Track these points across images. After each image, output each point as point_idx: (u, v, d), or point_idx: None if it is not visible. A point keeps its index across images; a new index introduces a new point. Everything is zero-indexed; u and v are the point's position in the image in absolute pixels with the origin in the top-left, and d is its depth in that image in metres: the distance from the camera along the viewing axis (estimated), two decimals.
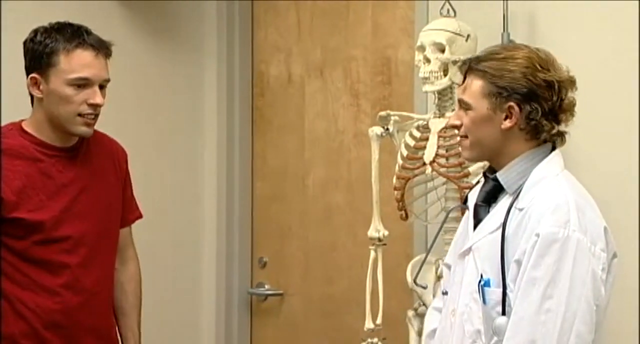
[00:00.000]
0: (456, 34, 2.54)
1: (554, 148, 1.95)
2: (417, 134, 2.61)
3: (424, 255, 2.71)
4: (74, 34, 2.19)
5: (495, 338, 1.85)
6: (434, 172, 2.54)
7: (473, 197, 2.02)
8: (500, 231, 1.87)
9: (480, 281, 1.87)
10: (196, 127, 3.51)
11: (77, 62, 2.18)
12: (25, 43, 2.24)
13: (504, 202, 1.92)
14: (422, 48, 2.57)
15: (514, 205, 1.88)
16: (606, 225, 1.90)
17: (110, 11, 3.22)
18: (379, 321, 2.63)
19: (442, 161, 2.54)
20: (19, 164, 2.19)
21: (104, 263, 2.32)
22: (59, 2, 2.93)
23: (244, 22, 3.55)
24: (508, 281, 1.83)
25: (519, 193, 1.89)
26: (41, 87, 2.20)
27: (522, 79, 1.87)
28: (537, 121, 1.88)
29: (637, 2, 2.55)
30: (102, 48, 2.22)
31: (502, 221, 1.87)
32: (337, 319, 3.29)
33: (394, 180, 2.61)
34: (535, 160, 1.92)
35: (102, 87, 2.22)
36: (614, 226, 2.57)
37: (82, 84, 2.18)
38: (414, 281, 2.35)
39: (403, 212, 2.63)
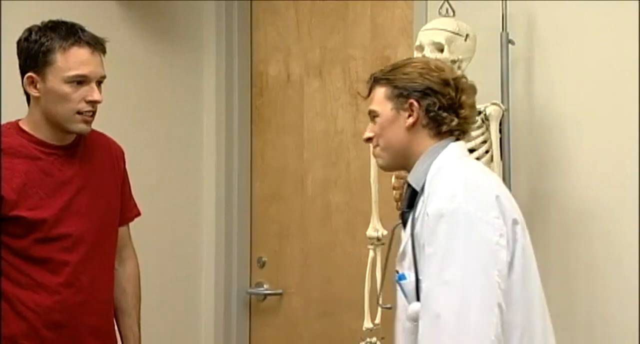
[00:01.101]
0: (455, 33, 2.54)
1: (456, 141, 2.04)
2: None
3: None
4: (69, 32, 2.19)
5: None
6: None
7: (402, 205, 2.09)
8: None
9: (398, 278, 1.94)
10: (195, 127, 3.51)
11: (74, 59, 2.17)
12: (19, 42, 2.23)
13: (419, 202, 1.98)
14: (420, 48, 2.57)
15: (422, 200, 1.95)
16: (499, 194, 1.92)
17: (109, 11, 3.22)
18: (377, 320, 2.63)
19: None
20: (19, 163, 2.19)
21: (104, 261, 2.31)
22: (59, 2, 2.92)
23: (243, 21, 3.55)
24: (419, 268, 1.89)
25: (424, 187, 1.96)
26: (38, 86, 2.19)
27: (419, 78, 2.00)
28: (436, 113, 1.99)
29: (637, 1, 2.55)
30: (98, 45, 2.22)
31: (412, 219, 1.95)
32: (335, 319, 3.29)
33: (393, 179, 2.61)
34: (435, 154, 1.99)
35: (98, 83, 2.22)
36: (614, 225, 2.59)
37: (80, 81, 2.18)
38: (378, 303, 2.33)
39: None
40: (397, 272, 1.97)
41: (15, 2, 2.85)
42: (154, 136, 3.37)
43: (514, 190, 2.67)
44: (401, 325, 1.99)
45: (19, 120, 2.27)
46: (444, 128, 2.00)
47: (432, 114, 1.99)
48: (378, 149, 2.06)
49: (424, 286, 1.86)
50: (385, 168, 2.09)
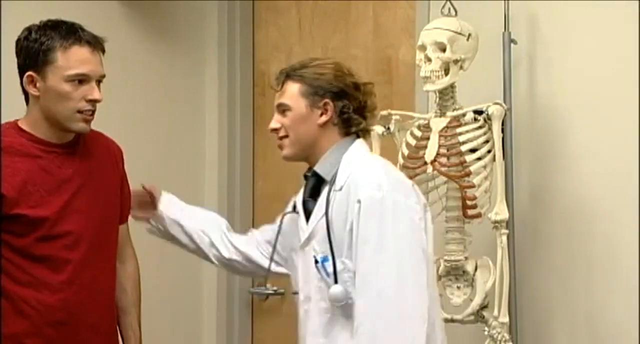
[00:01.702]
0: (457, 33, 2.54)
1: (358, 138, 2.21)
2: (418, 134, 2.61)
3: None
4: (69, 31, 2.18)
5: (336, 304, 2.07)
6: (435, 172, 2.54)
7: (299, 200, 2.23)
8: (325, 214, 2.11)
9: (317, 261, 2.09)
10: (197, 127, 3.51)
11: (75, 58, 2.17)
12: (18, 41, 2.22)
13: (326, 191, 2.14)
14: (423, 47, 2.57)
15: (333, 188, 2.12)
16: (412, 183, 2.18)
17: (111, 11, 3.22)
18: None
19: (443, 160, 2.54)
20: (19, 161, 2.19)
21: (105, 259, 2.31)
22: (60, 2, 2.92)
23: (244, 21, 3.55)
24: (344, 252, 2.06)
25: (335, 178, 2.13)
26: (38, 85, 2.19)
27: (334, 80, 2.16)
28: (349, 115, 2.16)
29: (638, 2, 2.55)
30: (98, 44, 2.22)
31: (325, 206, 2.11)
32: None
33: None
34: (343, 149, 2.17)
35: (98, 83, 2.22)
36: (615, 224, 2.59)
37: (80, 80, 2.18)
38: (264, 285, 2.42)
39: None
40: (315, 256, 2.10)
41: (15, 2, 2.85)
42: (156, 136, 3.37)
43: (516, 189, 2.68)
44: (314, 306, 2.12)
45: (18, 120, 2.27)
46: (353, 129, 2.18)
47: (345, 115, 2.16)
48: (287, 140, 2.19)
49: (360, 268, 2.02)
50: (288, 159, 2.22)
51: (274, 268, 2.37)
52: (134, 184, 2.49)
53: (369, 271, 2.01)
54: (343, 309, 2.07)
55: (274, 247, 2.32)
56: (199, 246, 2.45)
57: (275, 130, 2.21)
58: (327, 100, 2.15)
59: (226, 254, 2.44)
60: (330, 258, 2.08)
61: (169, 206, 2.47)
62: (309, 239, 2.17)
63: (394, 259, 2.01)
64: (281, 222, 2.31)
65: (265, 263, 2.37)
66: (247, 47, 3.55)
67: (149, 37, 3.36)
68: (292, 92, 2.17)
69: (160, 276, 3.17)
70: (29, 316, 2.19)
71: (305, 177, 2.24)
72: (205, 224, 2.47)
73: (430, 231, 2.14)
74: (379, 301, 2.00)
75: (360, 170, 2.11)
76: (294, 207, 2.27)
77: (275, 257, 2.34)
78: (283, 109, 2.19)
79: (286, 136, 2.19)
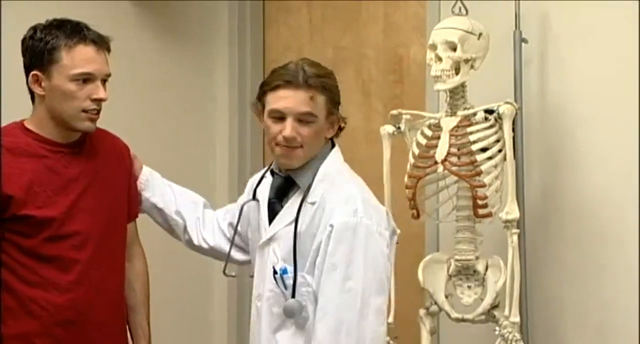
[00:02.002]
0: (468, 32, 2.54)
1: (333, 145, 2.18)
2: (429, 133, 2.61)
3: (436, 254, 2.72)
4: (74, 30, 2.18)
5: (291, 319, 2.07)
6: (446, 171, 2.54)
7: (263, 191, 2.20)
8: (293, 224, 2.07)
9: (275, 271, 2.08)
10: (208, 126, 3.52)
11: (80, 57, 2.16)
12: (24, 41, 2.22)
13: (296, 198, 2.11)
14: (433, 47, 2.56)
15: (305, 200, 2.08)
16: (387, 209, 2.15)
17: (122, 10, 3.23)
18: (390, 319, 2.63)
19: (454, 159, 2.53)
20: (25, 162, 2.19)
21: (113, 258, 2.31)
22: (71, 2, 2.93)
23: (255, 21, 3.56)
24: (306, 267, 2.05)
25: (309, 188, 2.08)
26: (43, 84, 2.18)
27: (338, 91, 2.12)
28: (340, 127, 2.14)
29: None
30: (103, 43, 2.21)
31: (294, 215, 2.07)
32: None
33: (406, 179, 2.61)
34: (322, 159, 2.12)
35: (103, 81, 2.22)
36: (625, 224, 2.58)
37: (85, 79, 2.17)
38: (223, 272, 2.39)
39: (415, 211, 2.63)
40: (277, 265, 2.08)
41: (23, 2, 2.86)
42: (167, 136, 3.38)
43: (527, 188, 2.67)
44: (266, 308, 2.11)
45: (24, 120, 2.27)
46: (335, 138, 2.17)
47: (342, 127, 2.15)
48: (300, 151, 2.08)
49: (325, 292, 2.01)
50: (291, 168, 2.12)
51: (238, 256, 2.37)
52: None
53: (333, 298, 2.00)
54: (295, 320, 2.07)
55: (232, 240, 2.33)
56: (173, 228, 2.44)
57: (294, 139, 2.07)
58: (338, 116, 2.13)
59: (195, 241, 2.43)
60: (291, 270, 2.06)
61: (148, 183, 2.42)
62: (269, 241, 2.14)
63: (359, 289, 2.00)
64: (241, 211, 2.28)
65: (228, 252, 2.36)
66: (258, 46, 3.56)
67: (159, 36, 3.37)
68: (321, 103, 2.07)
69: (171, 274, 3.18)
70: (39, 316, 2.19)
71: (272, 173, 2.18)
72: (182, 206, 2.43)
73: (393, 257, 2.14)
74: (339, 330, 1.99)
75: (337, 190, 2.06)
76: (254, 195, 2.23)
77: (239, 244, 2.35)
78: (307, 120, 2.06)
79: (300, 147, 2.08)
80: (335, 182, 2.08)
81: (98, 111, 2.22)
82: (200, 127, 3.50)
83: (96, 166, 2.29)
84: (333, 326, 1.99)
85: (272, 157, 2.19)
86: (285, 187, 2.14)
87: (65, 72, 2.16)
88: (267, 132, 2.12)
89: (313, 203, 2.07)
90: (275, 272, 2.08)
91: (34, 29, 2.21)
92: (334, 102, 2.09)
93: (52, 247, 2.19)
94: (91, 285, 2.23)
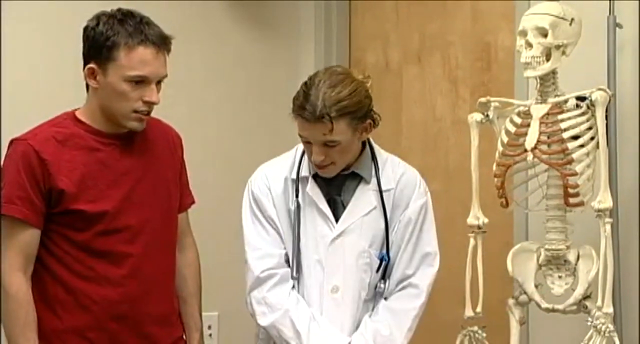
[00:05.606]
0: (560, 18, 2.49)
1: None
2: (518, 121, 2.57)
3: (525, 243, 2.68)
4: (136, 28, 2.15)
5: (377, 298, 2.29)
6: (536, 159, 2.50)
7: (313, 192, 2.27)
8: (377, 211, 2.27)
9: (365, 255, 2.25)
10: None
11: (138, 59, 2.14)
12: (86, 29, 2.19)
13: (362, 189, 2.28)
14: (523, 33, 2.52)
15: (380, 188, 2.27)
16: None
17: (210, 5, 3.26)
18: (478, 309, 2.61)
19: (544, 147, 2.49)
20: (77, 155, 2.18)
21: (165, 251, 2.30)
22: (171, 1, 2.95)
23: (341, 9, 3.56)
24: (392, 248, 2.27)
25: (378, 179, 2.27)
26: (98, 78, 2.17)
27: (366, 100, 2.20)
28: (375, 125, 2.24)
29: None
30: (163, 45, 2.18)
31: (375, 203, 2.27)
32: (434, 308, 3.26)
33: (494, 167, 2.58)
34: (369, 148, 2.30)
35: (158, 83, 2.20)
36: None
37: (139, 81, 2.16)
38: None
39: (503, 199, 2.59)
40: (373, 252, 2.27)
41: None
42: (254, 126, 3.40)
43: (621, 177, 2.61)
44: (352, 296, 2.25)
45: (76, 110, 2.25)
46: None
47: (376, 123, 2.24)
48: (332, 167, 2.23)
49: (419, 272, 2.31)
50: (330, 175, 2.25)
51: None
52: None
53: (428, 278, 2.34)
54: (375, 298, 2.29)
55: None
56: None
57: (322, 161, 2.20)
58: (370, 121, 2.22)
59: None
60: (385, 257, 2.27)
61: None
62: (342, 234, 2.25)
63: (437, 259, 2.34)
64: (299, 237, 2.29)
65: None
66: (344, 34, 3.56)
67: (246, 26, 3.39)
68: (342, 128, 2.15)
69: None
70: (92, 311, 2.19)
71: (315, 177, 2.27)
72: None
73: None
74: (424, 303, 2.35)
75: (403, 174, 2.31)
76: (297, 195, 2.28)
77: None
78: (331, 145, 2.18)
79: (332, 164, 2.22)
80: (396, 168, 2.32)
81: (149, 112, 2.21)
82: (288, 117, 3.50)
83: (148, 157, 2.28)
84: (425, 301, 2.33)
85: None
86: (339, 184, 2.28)
87: (121, 72, 2.14)
88: (307, 151, 2.25)
89: (389, 190, 2.28)
90: (382, 260, 2.27)
91: (97, 19, 2.18)
92: (358, 118, 2.17)
93: (105, 242, 2.19)
94: (144, 278, 2.23)
